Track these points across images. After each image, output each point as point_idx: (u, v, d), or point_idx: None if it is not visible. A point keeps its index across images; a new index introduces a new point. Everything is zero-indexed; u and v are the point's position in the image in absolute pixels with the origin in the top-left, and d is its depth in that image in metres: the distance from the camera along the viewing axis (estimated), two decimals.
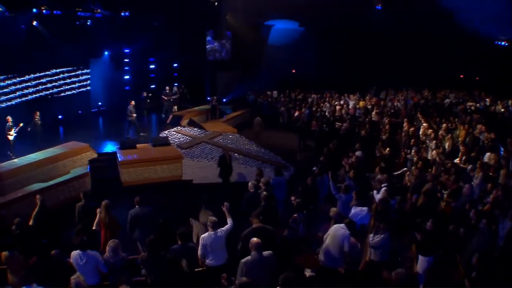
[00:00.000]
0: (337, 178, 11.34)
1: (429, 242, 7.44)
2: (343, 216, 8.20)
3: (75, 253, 6.45)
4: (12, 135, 13.98)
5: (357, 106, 21.13)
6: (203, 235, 6.89)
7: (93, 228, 7.81)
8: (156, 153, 14.37)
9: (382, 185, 9.77)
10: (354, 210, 8.84)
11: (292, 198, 9.16)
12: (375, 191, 9.86)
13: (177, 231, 6.71)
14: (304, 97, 24.98)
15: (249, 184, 9.30)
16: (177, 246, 6.72)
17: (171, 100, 21.46)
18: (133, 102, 17.78)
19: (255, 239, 6.10)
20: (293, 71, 30.01)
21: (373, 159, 13.27)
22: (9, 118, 14.11)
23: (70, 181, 12.33)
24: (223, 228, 6.95)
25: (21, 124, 14.22)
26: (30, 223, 8.08)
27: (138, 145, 14.93)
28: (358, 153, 12.56)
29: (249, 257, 6.04)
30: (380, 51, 25.41)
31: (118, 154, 13.96)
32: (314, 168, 11.40)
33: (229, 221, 7.13)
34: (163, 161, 13.86)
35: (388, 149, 13.19)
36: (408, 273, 6.68)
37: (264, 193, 8.44)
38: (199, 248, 6.83)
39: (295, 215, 8.24)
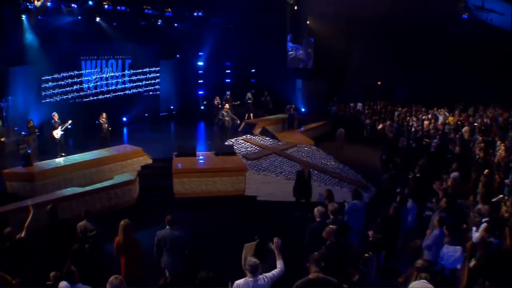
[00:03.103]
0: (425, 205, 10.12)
1: None
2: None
3: (62, 286, 5.10)
4: (58, 133, 12.90)
5: (446, 121, 18.94)
6: (237, 282, 4.74)
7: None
8: (217, 162, 12.89)
9: (483, 220, 7.56)
10: (446, 249, 7.12)
11: (370, 233, 7.14)
12: (474, 228, 7.65)
13: (197, 276, 4.60)
14: (390, 110, 23.00)
15: (315, 210, 6.84)
16: None
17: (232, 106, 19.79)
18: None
19: None
20: (379, 82, 27.81)
21: (465, 183, 11.28)
22: (56, 115, 13.14)
23: (111, 188, 10.86)
24: (267, 274, 4.91)
25: (70, 122, 13.10)
26: (23, 234, 6.61)
27: (198, 153, 13.46)
28: (454, 175, 10.58)
29: None
30: (467, 64, 23.07)
31: (173, 161, 12.51)
32: (398, 189, 9.60)
33: (279, 264, 5.15)
34: (224, 173, 12.35)
35: (487, 171, 10.77)
36: None
37: (331, 226, 6.04)
38: None
39: (366, 255, 6.27)
